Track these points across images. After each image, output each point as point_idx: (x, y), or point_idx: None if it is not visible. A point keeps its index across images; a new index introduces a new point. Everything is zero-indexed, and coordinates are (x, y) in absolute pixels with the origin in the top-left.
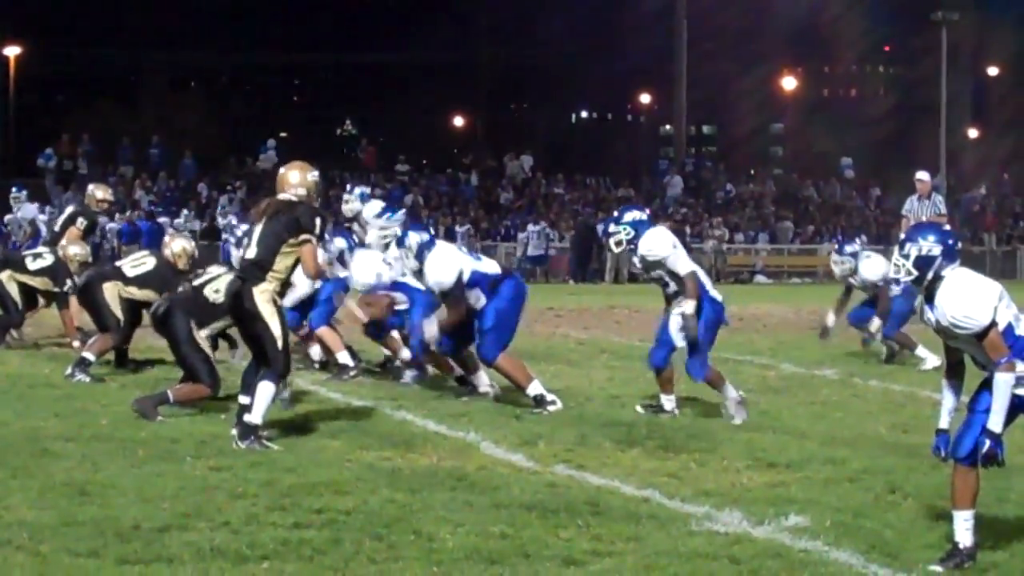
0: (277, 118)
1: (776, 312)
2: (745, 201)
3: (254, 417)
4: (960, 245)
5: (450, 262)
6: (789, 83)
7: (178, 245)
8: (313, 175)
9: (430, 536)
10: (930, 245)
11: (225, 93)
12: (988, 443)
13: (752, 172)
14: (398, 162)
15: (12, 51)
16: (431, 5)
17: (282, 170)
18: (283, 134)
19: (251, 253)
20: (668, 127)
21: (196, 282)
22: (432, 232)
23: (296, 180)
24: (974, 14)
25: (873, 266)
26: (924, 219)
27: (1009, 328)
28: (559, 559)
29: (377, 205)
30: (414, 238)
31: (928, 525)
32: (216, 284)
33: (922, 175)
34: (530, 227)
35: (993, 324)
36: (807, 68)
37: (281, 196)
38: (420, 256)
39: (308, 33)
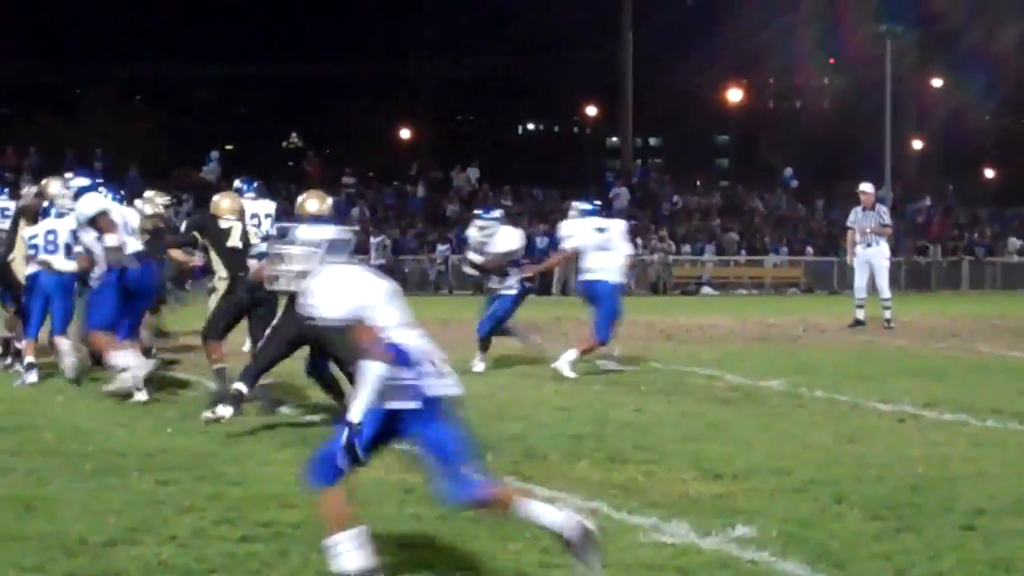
0: (222, 130)
1: (722, 323)
2: (691, 212)
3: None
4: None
5: None
6: (735, 95)
7: None
8: (328, 203)
9: (377, 550)
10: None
11: (170, 105)
12: (346, 433)
13: (698, 183)
14: (344, 174)
15: None
16: (376, 17)
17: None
18: (228, 146)
19: None
20: (615, 139)
21: None
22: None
23: (313, 208)
24: (918, 27)
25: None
26: (868, 230)
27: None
28: (509, 572)
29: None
30: None
31: (875, 535)
32: None
33: (865, 187)
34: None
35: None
36: (752, 80)
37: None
38: None
39: (253, 45)
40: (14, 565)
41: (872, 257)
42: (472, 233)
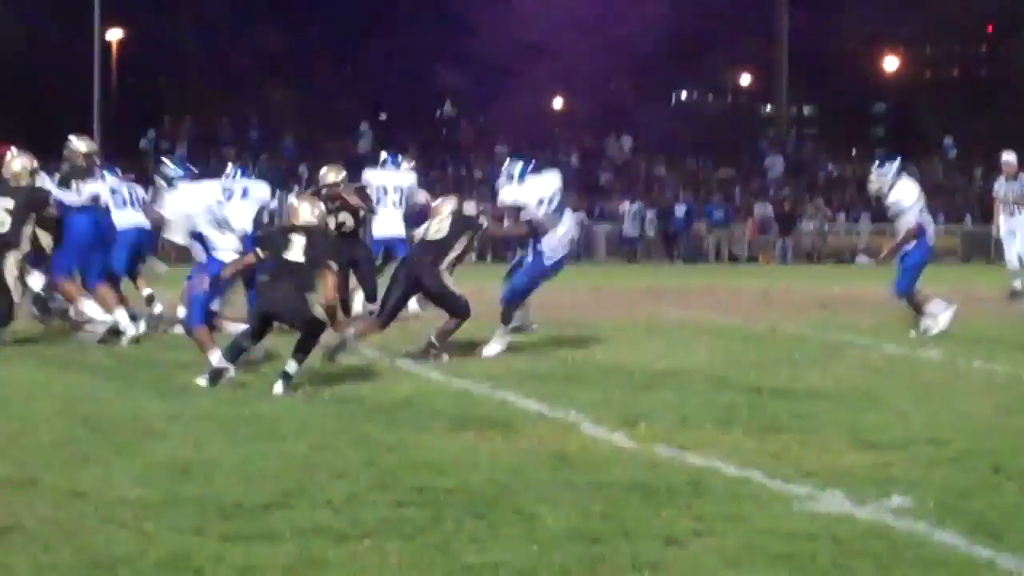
0: (376, 98)
1: (878, 292)
2: (847, 181)
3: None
4: None
5: None
6: (891, 63)
7: None
8: (320, 209)
9: (531, 515)
10: None
11: (322, 76)
12: None
13: (853, 152)
14: (498, 143)
15: (115, 35)
16: None
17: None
18: (382, 115)
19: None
20: (768, 108)
21: None
22: None
23: (305, 213)
24: None
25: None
26: (1011, 199)
27: None
28: (660, 539)
29: None
30: None
31: None
32: None
33: (1007, 155)
34: (626, 205)
35: None
36: (907, 47)
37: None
38: None
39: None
40: (171, 527)
41: (1018, 226)
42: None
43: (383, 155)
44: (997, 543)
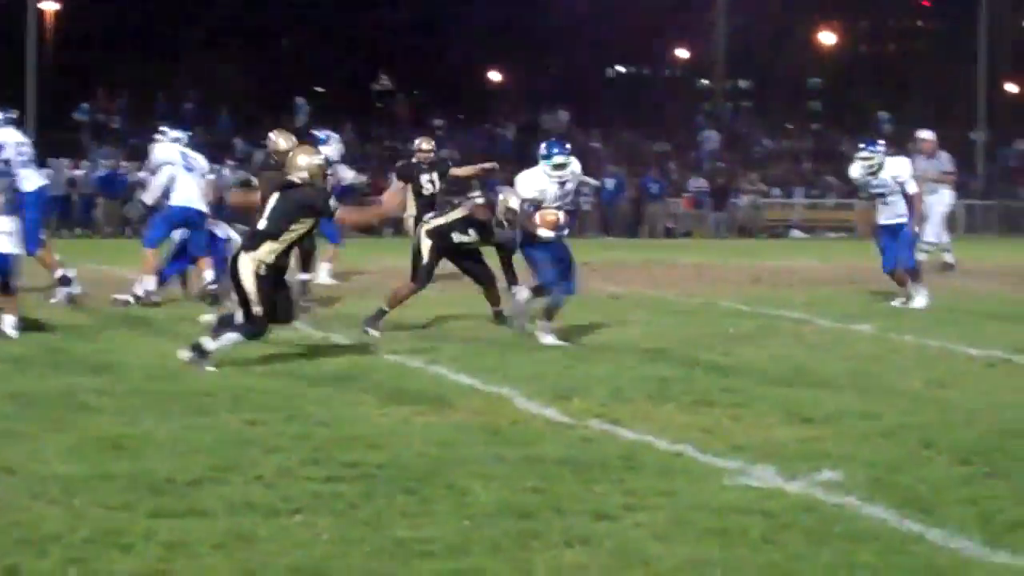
0: (312, 72)
1: (811, 267)
2: (782, 155)
3: (209, 344)
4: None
5: None
6: (827, 37)
7: None
8: (319, 159)
9: (463, 490)
10: None
11: (259, 49)
12: None
13: (789, 127)
14: (434, 116)
15: (49, 6)
16: None
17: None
18: (319, 89)
19: (261, 224)
20: (705, 81)
21: None
22: None
23: (303, 163)
24: None
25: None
26: (931, 177)
27: None
28: (592, 513)
29: None
30: None
31: (963, 480)
32: None
33: (925, 134)
34: None
35: None
36: (843, 21)
37: (290, 177)
38: None
39: None
40: (100, 503)
41: (937, 203)
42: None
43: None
44: (926, 517)
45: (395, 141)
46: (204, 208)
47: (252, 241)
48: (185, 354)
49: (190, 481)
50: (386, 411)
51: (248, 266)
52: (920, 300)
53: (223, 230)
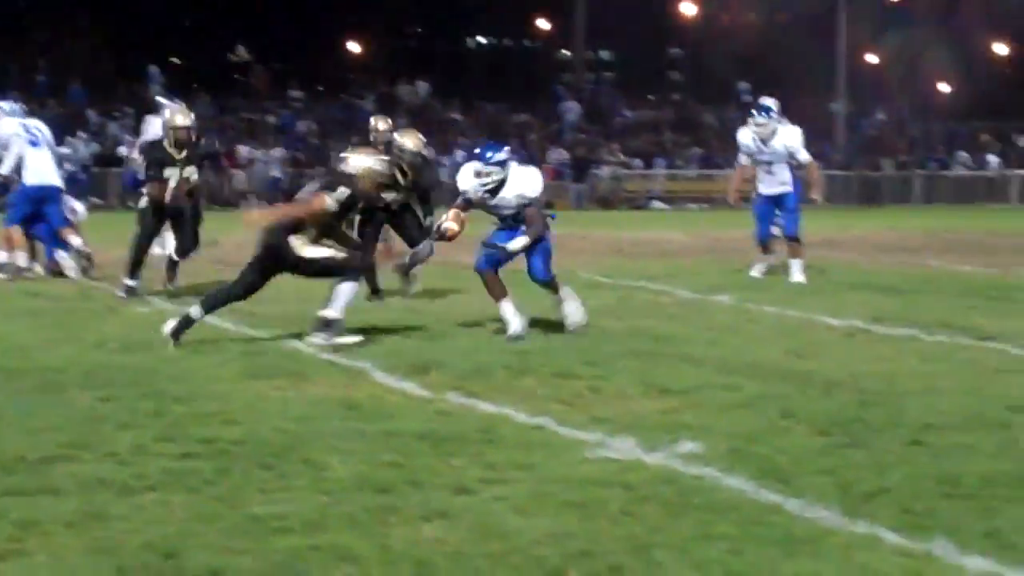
0: (167, 43)
1: (672, 238)
2: (643, 127)
3: (331, 312)
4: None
5: None
6: (688, 7)
7: None
8: (376, 165)
9: (320, 465)
10: None
11: (114, 18)
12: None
13: (650, 97)
14: (291, 88)
15: None
16: None
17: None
18: (174, 59)
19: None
20: (566, 52)
21: None
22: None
23: (357, 164)
24: None
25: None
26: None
27: None
28: (450, 488)
29: None
30: None
31: (821, 450)
32: None
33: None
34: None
35: None
36: None
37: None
38: None
39: None
40: None
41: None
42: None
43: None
44: (785, 487)
45: (252, 113)
46: (59, 182)
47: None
48: (318, 339)
49: (41, 459)
50: (242, 386)
51: (297, 242)
52: (798, 275)
53: (69, 203)
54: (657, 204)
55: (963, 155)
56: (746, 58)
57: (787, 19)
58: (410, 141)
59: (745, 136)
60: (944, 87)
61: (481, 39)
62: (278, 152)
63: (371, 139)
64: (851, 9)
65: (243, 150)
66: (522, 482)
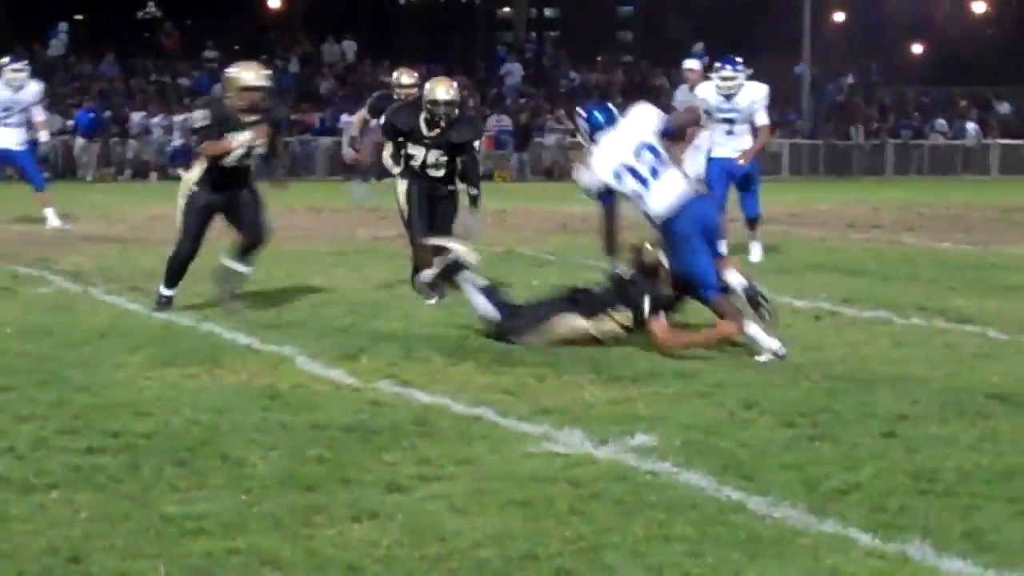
0: (69, 3)
1: (623, 213)
2: (591, 90)
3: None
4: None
5: None
6: None
7: None
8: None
9: (239, 461)
10: None
11: None
12: None
13: (598, 59)
14: (206, 48)
15: None
16: None
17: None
18: (78, 17)
19: None
20: (507, 9)
21: None
22: None
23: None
24: None
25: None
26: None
27: None
28: (382, 485)
29: None
30: None
31: (787, 443)
32: None
33: (691, 63)
34: (345, 118)
35: None
36: None
37: None
38: None
39: None
40: None
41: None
42: None
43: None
44: (747, 483)
45: (163, 75)
46: None
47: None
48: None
49: None
50: (153, 374)
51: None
52: (756, 253)
53: None
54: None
55: (940, 123)
56: (702, 16)
57: None
58: (442, 89)
59: (707, 91)
60: (918, 48)
61: None
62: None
63: (394, 96)
64: None
65: (135, 117)
66: (460, 479)
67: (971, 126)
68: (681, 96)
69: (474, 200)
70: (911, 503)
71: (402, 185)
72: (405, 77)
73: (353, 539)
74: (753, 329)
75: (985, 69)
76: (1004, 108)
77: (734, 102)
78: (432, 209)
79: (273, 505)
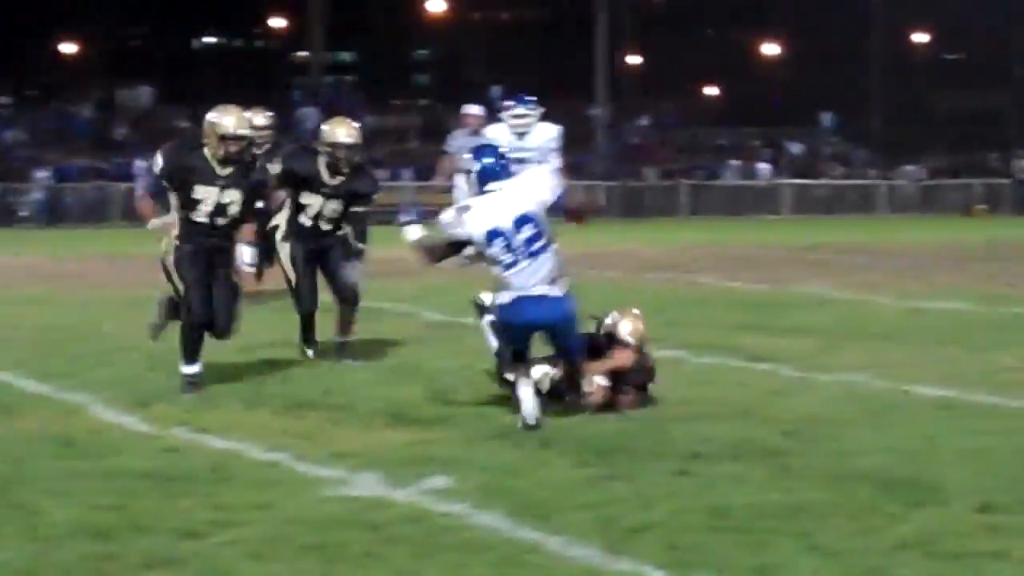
0: None
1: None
2: (388, 134)
3: None
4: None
5: None
6: (436, 5)
7: None
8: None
9: (33, 509)
10: None
11: None
12: None
13: (395, 102)
14: None
15: None
16: None
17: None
18: None
19: None
20: (303, 53)
21: None
22: None
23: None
24: None
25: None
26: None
27: None
28: (177, 532)
29: None
30: None
31: (583, 483)
32: None
33: (471, 108)
34: (139, 163)
35: None
36: None
37: None
38: None
39: None
40: None
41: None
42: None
43: None
44: (544, 524)
45: None
46: None
47: None
48: None
49: None
50: None
51: None
52: None
53: None
54: (405, 217)
55: (734, 163)
56: (498, 59)
57: (545, 17)
58: (343, 131)
59: (498, 132)
60: (711, 90)
61: (209, 39)
62: None
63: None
64: (613, 8)
65: None
66: (256, 524)
67: (763, 166)
68: (455, 141)
69: (359, 255)
70: (704, 540)
71: (285, 248)
72: (259, 119)
73: None
74: (524, 391)
75: (776, 110)
76: (795, 148)
77: (526, 140)
78: (322, 261)
79: (66, 553)
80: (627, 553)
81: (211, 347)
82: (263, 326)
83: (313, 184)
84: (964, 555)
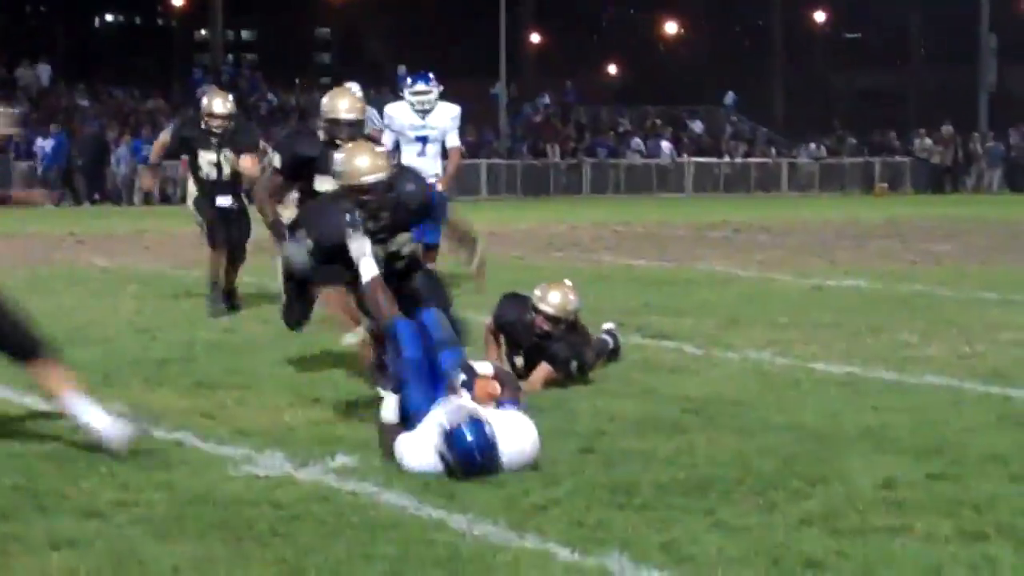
0: None
1: None
2: (290, 112)
3: None
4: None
5: None
6: None
7: None
8: None
9: None
10: None
11: None
12: None
13: (297, 81)
14: None
15: None
16: None
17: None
18: None
19: None
20: (204, 32)
21: None
22: None
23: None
24: None
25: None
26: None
27: None
28: (80, 512)
29: None
30: None
31: None
32: None
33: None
34: (40, 141)
35: None
36: None
37: None
38: None
39: None
40: None
41: None
42: None
43: None
44: (449, 503)
45: None
46: None
47: None
48: None
49: None
50: None
51: None
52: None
53: None
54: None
55: (636, 142)
56: (399, 38)
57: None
58: (343, 104)
59: (399, 110)
60: (613, 69)
61: (109, 17)
62: None
63: (203, 125)
64: None
65: None
66: (160, 503)
67: (665, 145)
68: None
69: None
70: (609, 517)
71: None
72: (223, 106)
73: (51, 567)
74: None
75: (678, 89)
76: (697, 127)
77: (428, 119)
78: None
79: None
80: (532, 530)
81: (111, 328)
82: (162, 307)
83: (322, 165)
84: (867, 530)
